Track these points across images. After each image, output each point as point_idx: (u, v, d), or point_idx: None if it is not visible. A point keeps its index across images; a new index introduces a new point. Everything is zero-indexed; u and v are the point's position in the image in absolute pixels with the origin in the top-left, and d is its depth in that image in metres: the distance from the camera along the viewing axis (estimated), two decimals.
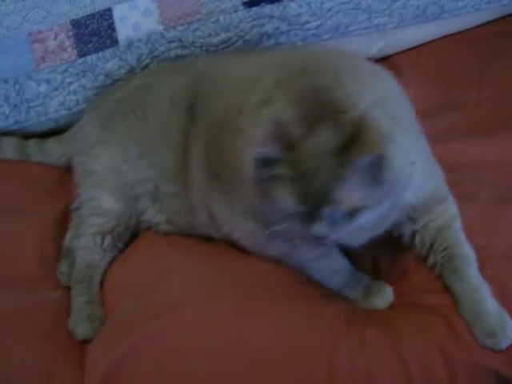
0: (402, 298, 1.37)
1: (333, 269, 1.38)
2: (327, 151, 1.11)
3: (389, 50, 1.98)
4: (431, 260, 1.37)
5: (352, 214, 1.16)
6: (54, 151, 1.85)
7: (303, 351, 1.28)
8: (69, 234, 1.67)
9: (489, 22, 2.02)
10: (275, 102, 1.18)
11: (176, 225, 1.57)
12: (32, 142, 1.87)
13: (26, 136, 1.89)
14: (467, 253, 1.34)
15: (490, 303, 1.28)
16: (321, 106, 1.13)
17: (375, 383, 1.25)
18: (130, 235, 1.62)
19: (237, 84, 1.40)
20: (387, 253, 1.42)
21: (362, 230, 1.23)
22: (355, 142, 1.10)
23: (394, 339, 1.28)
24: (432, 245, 1.36)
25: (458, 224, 1.37)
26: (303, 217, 1.17)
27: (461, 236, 1.36)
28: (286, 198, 1.15)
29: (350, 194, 1.13)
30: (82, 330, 1.45)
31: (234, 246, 1.48)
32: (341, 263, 1.39)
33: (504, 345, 1.25)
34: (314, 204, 1.14)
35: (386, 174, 1.13)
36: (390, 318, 1.33)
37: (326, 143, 1.11)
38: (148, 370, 1.30)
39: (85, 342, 1.44)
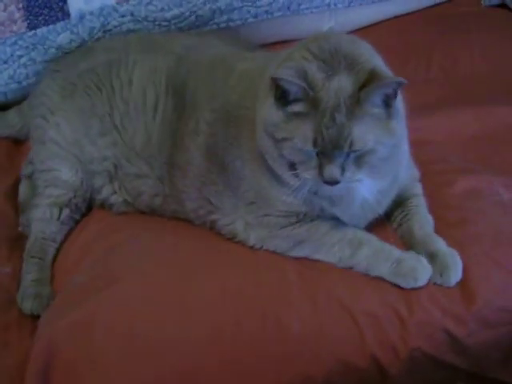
0: None
1: (354, 239, 1.35)
2: (345, 93, 1.23)
3: (339, 29, 2.00)
4: (395, 214, 1.43)
5: (363, 158, 1.24)
6: (15, 121, 1.82)
7: (251, 313, 1.30)
8: (21, 189, 1.67)
9: (438, 4, 2.10)
10: (296, 57, 1.28)
11: (136, 206, 1.57)
12: None
13: None
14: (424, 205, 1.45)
15: (442, 243, 1.36)
16: (339, 59, 1.26)
17: (326, 340, 1.28)
18: (87, 208, 1.62)
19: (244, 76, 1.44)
20: None
21: (365, 208, 1.34)
22: (370, 81, 1.22)
23: (347, 298, 1.31)
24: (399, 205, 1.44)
25: (422, 199, 1.47)
26: (317, 160, 1.24)
27: (423, 201, 1.46)
28: (304, 136, 1.23)
29: (364, 134, 1.23)
30: (27, 306, 1.45)
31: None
32: (361, 232, 1.37)
33: (454, 280, 1.32)
34: (330, 142, 1.22)
35: (394, 122, 1.26)
36: (343, 278, 1.35)
37: (344, 86, 1.23)
38: (97, 339, 1.30)
39: (38, 317, 1.43)
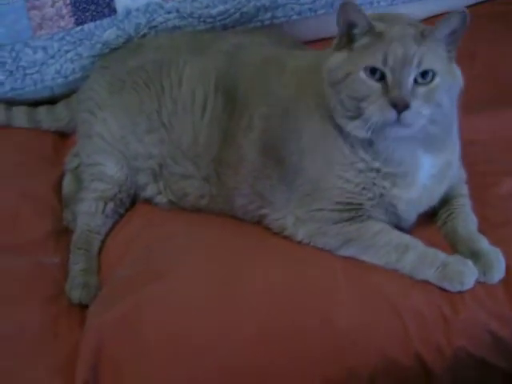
0: None
1: (400, 244, 1.35)
2: (410, 31, 1.30)
3: None
4: (441, 212, 1.45)
5: (429, 92, 1.28)
6: (63, 115, 1.85)
7: (299, 309, 1.31)
8: (65, 182, 1.70)
9: (483, 2, 2.09)
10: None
11: (181, 206, 1.58)
12: (41, 109, 1.87)
13: (21, 104, 1.88)
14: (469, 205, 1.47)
15: (485, 242, 1.37)
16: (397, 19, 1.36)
17: (372, 337, 1.29)
18: (131, 202, 1.63)
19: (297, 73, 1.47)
20: None
21: (422, 194, 1.38)
22: (429, 29, 1.30)
23: (393, 295, 1.32)
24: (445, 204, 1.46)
25: (468, 199, 1.48)
26: (383, 88, 1.27)
27: (468, 201, 1.48)
28: (373, 57, 1.28)
29: (432, 58, 1.28)
30: (76, 295, 1.47)
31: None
32: (407, 238, 1.37)
33: (497, 278, 1.32)
34: (400, 60, 1.27)
35: (456, 68, 1.35)
36: (389, 277, 1.35)
37: (408, 29, 1.31)
38: (142, 338, 1.30)
39: (86, 307, 1.46)
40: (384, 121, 1.28)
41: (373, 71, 1.29)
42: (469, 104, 1.59)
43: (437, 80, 1.30)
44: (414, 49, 1.27)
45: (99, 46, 1.84)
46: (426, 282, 1.32)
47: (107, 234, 1.60)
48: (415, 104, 1.27)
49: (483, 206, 1.46)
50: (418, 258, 1.34)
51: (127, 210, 1.63)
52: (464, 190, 1.49)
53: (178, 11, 1.84)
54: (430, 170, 1.37)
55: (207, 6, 1.85)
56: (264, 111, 1.47)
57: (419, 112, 1.28)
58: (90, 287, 1.48)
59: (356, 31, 1.31)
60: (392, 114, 1.27)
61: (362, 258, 1.38)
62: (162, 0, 1.84)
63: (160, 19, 1.84)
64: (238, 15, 1.88)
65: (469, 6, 2.01)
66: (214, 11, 1.86)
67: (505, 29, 2.00)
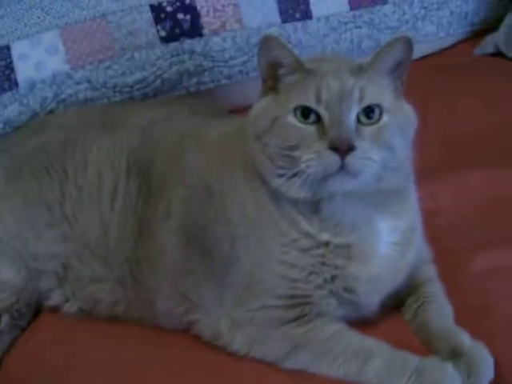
0: None
1: (361, 350, 1.14)
2: (346, 65, 1.14)
3: None
4: (409, 303, 1.25)
5: (378, 133, 1.10)
6: None
7: None
8: None
9: (427, 56, 1.99)
10: None
11: (95, 315, 1.34)
12: None
13: None
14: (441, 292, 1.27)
15: (466, 337, 1.16)
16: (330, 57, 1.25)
17: None
18: (34, 311, 1.39)
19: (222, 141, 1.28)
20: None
21: (385, 266, 1.17)
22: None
23: None
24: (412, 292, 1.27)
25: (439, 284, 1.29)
26: (319, 131, 1.09)
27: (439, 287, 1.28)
28: (305, 95, 1.10)
29: (376, 91, 1.11)
30: None
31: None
32: (369, 341, 1.16)
33: (485, 381, 1.11)
34: (337, 94, 1.09)
35: (406, 106, 1.17)
36: None
37: (342, 64, 1.15)
38: None
39: None
40: (324, 170, 1.06)
41: (305, 113, 1.09)
42: (426, 171, 1.43)
43: (385, 118, 1.11)
44: (352, 81, 1.10)
45: (0, 125, 1.62)
46: None
47: (5, 353, 1.34)
48: (361, 146, 1.06)
49: (456, 291, 1.25)
50: (385, 365, 1.11)
51: (30, 323, 1.38)
52: (432, 271, 1.29)
53: (89, 81, 1.66)
54: (390, 236, 1.17)
55: (123, 74, 1.68)
56: (182, 193, 1.25)
57: (367, 157, 1.07)
58: None
59: (282, 72, 1.14)
60: (333, 159, 1.05)
61: (314, 369, 1.14)
62: (70, 69, 1.65)
63: (69, 91, 1.65)
64: (158, 82, 1.71)
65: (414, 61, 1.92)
66: (130, 79, 1.69)
67: (455, 84, 1.86)
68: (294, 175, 1.09)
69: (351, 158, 1.05)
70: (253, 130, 1.15)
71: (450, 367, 1.09)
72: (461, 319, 1.20)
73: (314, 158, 1.06)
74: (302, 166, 1.07)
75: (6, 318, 1.35)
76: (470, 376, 1.10)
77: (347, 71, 1.11)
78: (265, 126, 1.12)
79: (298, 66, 1.12)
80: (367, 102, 1.09)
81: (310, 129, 1.09)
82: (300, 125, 1.09)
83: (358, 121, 1.09)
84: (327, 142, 1.06)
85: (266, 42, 1.12)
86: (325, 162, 1.06)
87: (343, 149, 1.05)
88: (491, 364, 1.12)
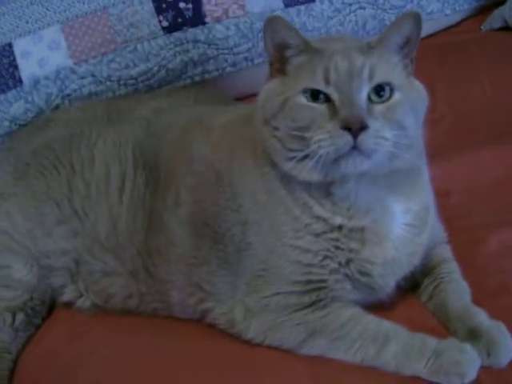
0: None
1: (378, 334, 1.12)
2: (353, 44, 1.13)
3: None
4: (425, 284, 1.23)
5: (389, 110, 1.08)
6: None
7: None
8: None
9: (435, 34, 1.97)
10: None
11: (108, 309, 1.32)
12: None
13: None
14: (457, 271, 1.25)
15: (484, 316, 1.14)
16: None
17: None
18: (48, 308, 1.37)
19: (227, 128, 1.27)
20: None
21: (400, 250, 1.15)
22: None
23: None
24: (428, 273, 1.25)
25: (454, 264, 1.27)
26: (333, 107, 1.07)
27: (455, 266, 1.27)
28: (313, 76, 1.08)
29: (385, 69, 1.09)
30: None
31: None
32: (385, 324, 1.14)
33: (505, 360, 1.10)
34: (346, 73, 1.07)
35: (416, 83, 1.14)
36: (370, 378, 1.10)
37: (350, 43, 1.13)
38: None
39: None
40: (337, 151, 1.04)
41: (314, 94, 1.07)
42: (437, 151, 1.40)
43: (396, 96, 1.09)
44: (362, 60, 1.08)
45: (6, 123, 1.62)
46: (417, 379, 1.08)
47: (21, 351, 1.33)
48: (374, 124, 1.04)
49: (473, 270, 1.24)
50: (403, 349, 1.09)
51: (44, 319, 1.37)
52: (447, 252, 1.27)
53: (93, 75, 1.65)
54: (404, 218, 1.15)
55: (127, 66, 1.66)
56: (190, 181, 1.23)
57: (380, 135, 1.05)
58: None
59: (289, 53, 1.12)
60: (346, 138, 1.03)
61: (331, 355, 1.12)
62: (73, 64, 1.64)
63: (73, 86, 1.64)
64: (163, 73, 1.69)
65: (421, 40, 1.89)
66: (134, 72, 1.67)
67: (464, 61, 1.83)
68: (305, 157, 1.07)
69: (364, 137, 1.03)
70: (262, 114, 1.13)
71: (468, 348, 1.08)
72: (478, 299, 1.18)
73: (326, 138, 1.05)
74: (314, 146, 1.05)
75: (20, 315, 1.34)
76: (490, 356, 1.09)
77: (356, 50, 1.09)
78: (274, 108, 1.11)
79: (306, 47, 1.11)
80: (377, 80, 1.07)
81: (321, 108, 1.07)
82: (310, 105, 1.07)
83: (369, 99, 1.07)
84: (339, 122, 1.04)
85: (271, 24, 1.10)
86: (337, 141, 1.04)
87: (356, 128, 1.03)
88: (511, 343, 1.10)
